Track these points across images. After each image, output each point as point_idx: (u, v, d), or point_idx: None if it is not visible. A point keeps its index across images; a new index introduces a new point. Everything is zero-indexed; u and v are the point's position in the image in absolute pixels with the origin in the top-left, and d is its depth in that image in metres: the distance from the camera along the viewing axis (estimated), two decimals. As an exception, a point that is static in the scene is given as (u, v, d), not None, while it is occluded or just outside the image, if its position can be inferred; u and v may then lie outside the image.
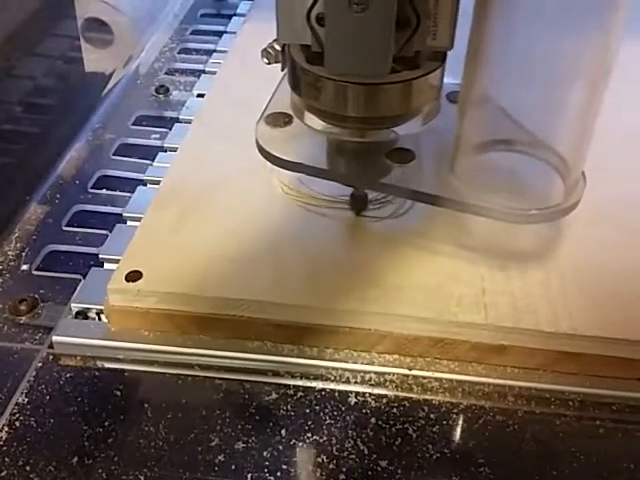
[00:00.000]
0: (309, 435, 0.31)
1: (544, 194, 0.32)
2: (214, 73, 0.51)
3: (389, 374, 0.33)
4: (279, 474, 0.29)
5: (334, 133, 0.33)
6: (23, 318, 0.35)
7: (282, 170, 0.40)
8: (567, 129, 0.30)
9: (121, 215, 0.41)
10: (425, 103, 0.32)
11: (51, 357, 0.34)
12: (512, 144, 0.32)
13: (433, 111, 0.33)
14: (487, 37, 0.29)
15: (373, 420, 0.31)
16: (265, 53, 0.32)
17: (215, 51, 0.56)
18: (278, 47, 0.32)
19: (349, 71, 0.30)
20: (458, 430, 0.31)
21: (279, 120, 0.34)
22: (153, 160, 0.45)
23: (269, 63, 0.32)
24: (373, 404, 0.32)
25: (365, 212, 0.38)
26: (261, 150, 0.34)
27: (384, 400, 0.32)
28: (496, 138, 0.32)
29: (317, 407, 0.32)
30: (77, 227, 0.41)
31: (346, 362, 0.33)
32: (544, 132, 0.31)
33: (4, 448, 0.30)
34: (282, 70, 0.33)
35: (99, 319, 0.35)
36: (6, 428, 0.31)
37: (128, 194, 0.43)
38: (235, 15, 0.61)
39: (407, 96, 0.31)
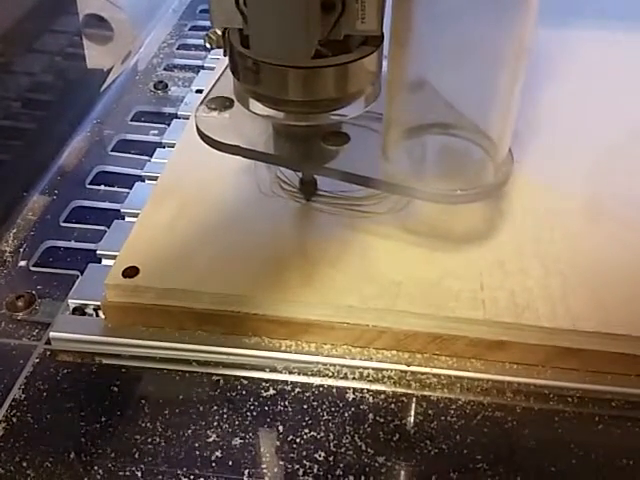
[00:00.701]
0: (307, 431, 0.30)
1: (475, 175, 0.32)
2: (213, 69, 0.51)
3: (387, 370, 0.33)
4: (276, 470, 0.29)
5: (273, 117, 0.33)
6: (20, 314, 0.35)
7: (280, 167, 0.40)
8: (494, 111, 0.31)
9: (119, 211, 0.41)
10: (360, 87, 0.32)
11: (48, 353, 0.34)
12: (446, 127, 0.32)
13: (372, 95, 0.33)
14: (409, 21, 0.29)
15: (371, 416, 0.31)
16: (207, 38, 0.32)
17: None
18: (219, 32, 0.32)
19: (273, 54, 0.30)
20: (456, 426, 0.31)
21: (220, 104, 0.34)
22: (151, 156, 0.45)
23: (211, 48, 0.33)
24: (371, 400, 0.32)
25: (362, 208, 0.37)
26: (200, 134, 0.34)
27: (382, 396, 0.32)
28: (429, 122, 0.33)
29: (315, 403, 0.31)
30: (75, 223, 0.41)
31: (344, 358, 0.33)
32: (473, 115, 0.32)
33: (1, 444, 0.30)
34: (224, 55, 0.33)
35: (96, 315, 0.35)
36: (3, 424, 0.31)
37: (126, 190, 0.42)
38: (234, 11, 0.61)
39: (341, 80, 0.31)
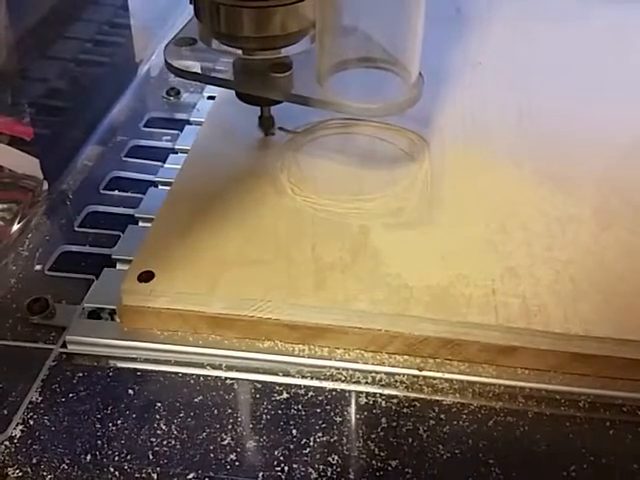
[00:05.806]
0: (320, 435, 0.31)
1: (392, 95, 0.38)
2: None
3: (399, 375, 0.33)
4: (290, 473, 0.29)
5: (231, 52, 0.39)
6: (36, 318, 0.36)
7: (292, 171, 0.41)
8: (406, 44, 0.38)
9: (133, 216, 0.42)
10: (301, 27, 0.38)
11: (64, 356, 0.34)
12: (369, 60, 0.39)
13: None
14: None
15: (384, 420, 0.31)
16: None
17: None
18: None
19: None
20: (468, 431, 0.31)
21: (186, 42, 0.41)
22: (164, 162, 0.45)
23: None
24: (383, 404, 0.32)
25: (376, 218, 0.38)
26: (167, 64, 0.40)
27: (394, 400, 0.32)
28: (354, 57, 0.39)
29: (328, 407, 0.32)
30: (90, 228, 0.42)
31: (356, 362, 0.33)
32: (390, 48, 0.38)
33: (18, 445, 0.30)
34: (190, 3, 0.39)
35: (112, 319, 0.36)
36: (20, 426, 0.31)
37: (140, 195, 0.43)
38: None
39: (284, 20, 0.37)
